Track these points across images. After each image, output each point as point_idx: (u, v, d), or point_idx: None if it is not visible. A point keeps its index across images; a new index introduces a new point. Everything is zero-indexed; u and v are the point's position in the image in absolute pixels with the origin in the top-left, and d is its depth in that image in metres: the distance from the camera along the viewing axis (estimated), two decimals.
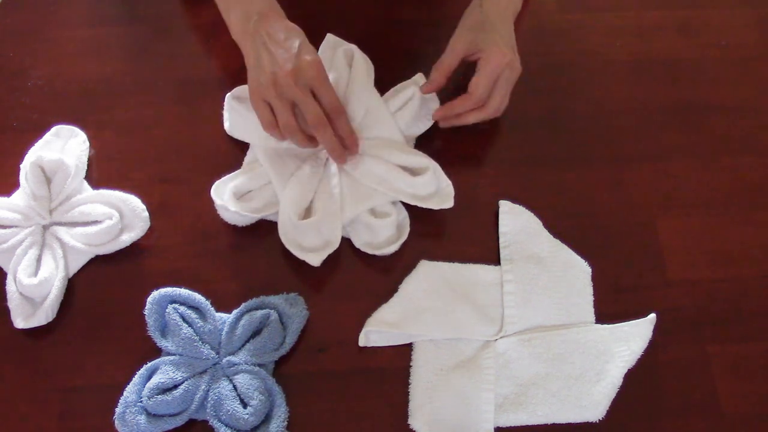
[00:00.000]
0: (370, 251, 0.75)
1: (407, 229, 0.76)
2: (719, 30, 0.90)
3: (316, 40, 0.75)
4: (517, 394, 0.69)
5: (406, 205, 0.77)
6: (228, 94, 0.80)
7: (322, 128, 0.71)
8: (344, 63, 0.80)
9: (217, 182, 0.76)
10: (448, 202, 0.75)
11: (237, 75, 0.82)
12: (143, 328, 0.70)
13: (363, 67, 0.79)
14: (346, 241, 0.76)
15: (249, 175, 0.76)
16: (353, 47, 0.80)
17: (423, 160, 0.76)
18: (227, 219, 0.76)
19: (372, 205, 0.75)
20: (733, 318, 0.74)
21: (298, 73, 0.69)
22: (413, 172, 0.76)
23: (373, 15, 0.88)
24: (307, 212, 0.75)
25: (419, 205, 0.75)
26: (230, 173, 0.78)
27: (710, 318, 0.74)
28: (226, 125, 0.80)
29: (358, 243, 0.75)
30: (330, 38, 0.83)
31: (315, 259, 0.72)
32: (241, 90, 0.80)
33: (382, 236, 0.75)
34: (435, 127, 0.82)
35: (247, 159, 0.79)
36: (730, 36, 0.90)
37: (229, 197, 0.74)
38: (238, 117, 0.79)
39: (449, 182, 0.76)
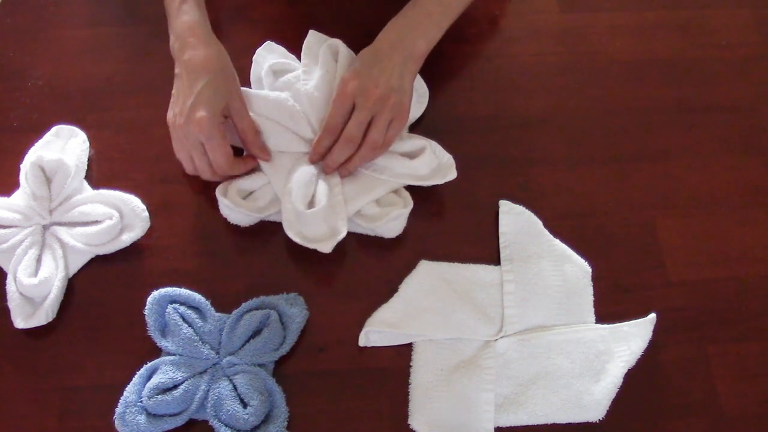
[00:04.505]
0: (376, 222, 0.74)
1: (410, 201, 0.76)
2: (719, 30, 0.90)
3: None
4: (517, 394, 0.69)
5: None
6: None
7: (211, 177, 0.74)
8: (330, 58, 0.80)
9: (221, 184, 0.76)
10: (451, 174, 0.76)
11: (238, 74, 0.81)
12: (143, 328, 0.70)
13: (348, 61, 0.79)
14: (346, 242, 0.75)
15: (251, 176, 0.77)
16: (338, 42, 0.80)
17: (419, 142, 0.77)
18: (232, 219, 0.76)
19: (376, 196, 0.76)
20: (733, 318, 0.74)
21: (188, 130, 0.71)
22: (412, 155, 0.77)
23: (371, 15, 0.88)
24: (310, 206, 0.75)
25: (424, 184, 0.76)
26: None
27: (710, 318, 0.74)
28: None
29: (364, 224, 0.75)
30: (313, 35, 0.82)
31: (326, 247, 0.72)
32: None
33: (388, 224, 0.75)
34: (432, 128, 0.82)
35: None
36: (730, 36, 0.90)
37: (234, 197, 0.74)
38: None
39: (449, 155, 0.78)
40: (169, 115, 0.74)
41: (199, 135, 0.71)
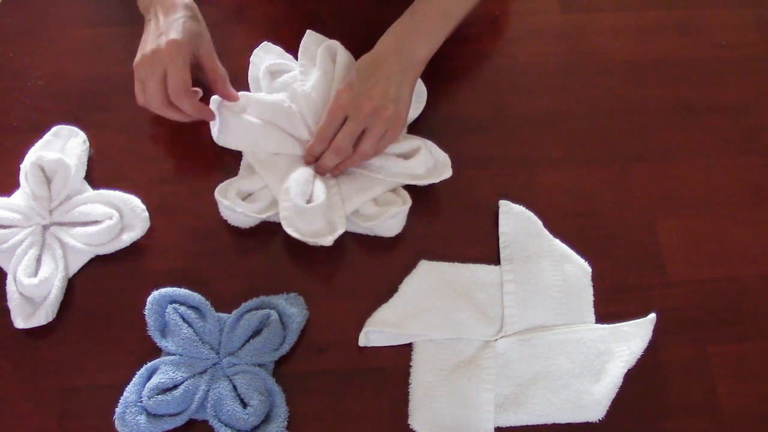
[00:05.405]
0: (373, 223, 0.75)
1: (408, 199, 0.76)
2: (719, 30, 0.90)
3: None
4: (517, 394, 0.69)
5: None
6: (213, 98, 0.80)
7: (166, 111, 0.74)
8: (328, 59, 0.80)
9: (221, 185, 0.75)
10: (446, 173, 0.77)
11: (237, 75, 0.82)
12: (143, 328, 0.70)
13: (346, 62, 0.80)
14: (346, 242, 0.76)
15: (250, 178, 0.77)
16: (336, 43, 0.80)
17: (414, 142, 0.77)
18: (232, 221, 0.76)
19: (373, 195, 0.76)
20: (733, 318, 0.74)
21: (154, 58, 0.71)
22: (407, 155, 0.77)
23: (371, 15, 0.88)
24: (307, 203, 0.75)
25: (420, 183, 0.76)
26: (230, 173, 0.78)
27: (710, 318, 0.74)
28: (214, 132, 0.79)
29: (362, 224, 0.75)
30: (310, 35, 0.82)
31: (327, 240, 0.72)
32: None
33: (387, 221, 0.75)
34: (431, 128, 0.82)
35: (244, 162, 0.79)
36: (730, 36, 0.90)
37: (234, 199, 0.74)
38: (225, 125, 0.78)
39: (445, 154, 0.78)
40: (137, 57, 0.74)
41: (166, 57, 0.70)
